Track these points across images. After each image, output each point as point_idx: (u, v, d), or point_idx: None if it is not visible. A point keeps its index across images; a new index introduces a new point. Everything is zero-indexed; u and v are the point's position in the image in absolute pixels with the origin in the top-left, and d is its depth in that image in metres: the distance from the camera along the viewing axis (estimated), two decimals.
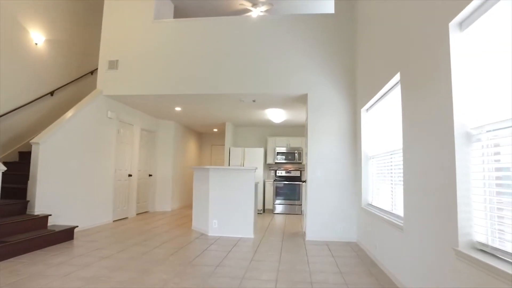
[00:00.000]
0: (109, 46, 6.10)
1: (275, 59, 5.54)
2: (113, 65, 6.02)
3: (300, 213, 8.51)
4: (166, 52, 5.85)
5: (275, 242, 4.91)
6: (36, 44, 6.08)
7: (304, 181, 5.90)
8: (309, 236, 5.17)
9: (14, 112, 5.59)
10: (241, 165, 8.68)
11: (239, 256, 4.07)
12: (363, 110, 4.88)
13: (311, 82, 5.42)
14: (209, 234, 5.36)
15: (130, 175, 7.11)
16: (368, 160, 4.75)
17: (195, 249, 4.35)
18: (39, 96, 6.10)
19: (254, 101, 6.11)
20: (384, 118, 3.99)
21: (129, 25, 6.06)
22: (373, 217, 4.07)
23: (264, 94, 5.60)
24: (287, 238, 5.24)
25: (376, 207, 4.19)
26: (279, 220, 7.35)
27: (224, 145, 11.43)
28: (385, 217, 3.54)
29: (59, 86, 6.61)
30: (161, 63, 5.84)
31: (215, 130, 10.58)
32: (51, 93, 6.38)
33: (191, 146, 10.42)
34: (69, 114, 5.28)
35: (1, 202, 4.32)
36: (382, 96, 3.99)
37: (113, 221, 6.49)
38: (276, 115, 7.51)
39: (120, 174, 6.75)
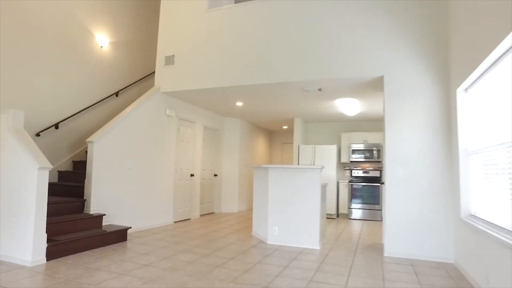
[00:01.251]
0: (165, 41, 5.91)
1: (341, 35, 4.66)
2: (169, 60, 5.81)
3: (381, 220, 7.35)
4: (221, 42, 5.40)
5: (345, 257, 4.06)
6: (101, 47, 6.20)
7: (382, 183, 4.89)
8: (388, 251, 4.18)
9: (82, 112, 5.73)
10: (311, 164, 7.87)
11: (295, 274, 3.34)
12: (459, 90, 3.73)
13: (388, 61, 4.41)
14: (268, 242, 4.73)
15: (192, 175, 6.88)
16: (469, 156, 3.60)
17: (246, 262, 3.76)
18: (104, 97, 6.20)
19: (320, 89, 5.30)
20: (495, 97, 2.88)
21: (183, 17, 5.78)
22: (480, 235, 2.97)
23: (331, 80, 4.76)
24: (361, 252, 4.33)
25: (485, 220, 3.07)
26: (354, 227, 6.38)
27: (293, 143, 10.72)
28: (504, 238, 2.47)
29: (124, 87, 6.68)
30: (217, 54, 5.41)
31: (285, 127, 9.95)
32: (116, 94, 6.47)
33: (260, 145, 9.95)
34: (125, 112, 5.18)
35: (62, 200, 4.32)
36: (490, 66, 2.88)
37: (174, 222, 6.30)
38: (349, 106, 6.54)
39: (181, 174, 6.55)
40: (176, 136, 6.35)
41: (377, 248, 4.59)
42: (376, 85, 4.93)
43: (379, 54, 4.45)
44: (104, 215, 4.57)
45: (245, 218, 7.09)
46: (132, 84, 6.88)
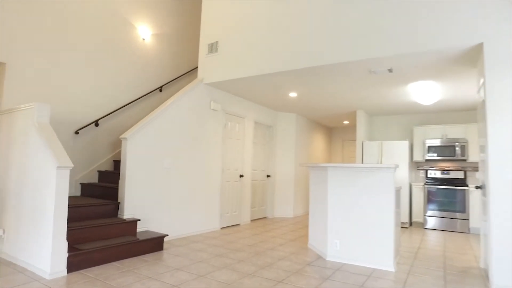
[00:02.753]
0: (208, 28, 5.32)
1: None
2: (212, 48, 5.20)
3: (467, 232, 5.98)
4: (269, 21, 4.64)
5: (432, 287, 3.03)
6: (143, 39, 5.83)
7: (479, 187, 3.72)
8: (498, 283, 3.03)
9: (124, 108, 5.38)
10: (378, 163, 6.77)
11: None
12: None
13: (490, 22, 3.27)
14: (327, 259, 3.85)
15: (241, 176, 6.22)
16: None
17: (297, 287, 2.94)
18: (148, 92, 5.82)
19: (390, 70, 4.27)
20: None
21: (226, 0, 5.14)
22: None
23: (407, 56, 3.73)
24: (455, 280, 3.25)
25: None
26: (433, 239, 5.18)
27: (355, 140, 9.57)
28: None
29: (168, 81, 6.26)
30: (265, 35, 4.67)
31: (346, 122, 8.88)
32: (160, 89, 6.06)
33: (318, 142, 9.00)
34: (163, 106, 4.67)
35: (94, 202, 3.91)
36: None
37: (221, 228, 5.68)
38: (425, 92, 5.36)
39: (229, 175, 5.92)
40: (222, 132, 5.74)
41: (475, 275, 3.45)
42: (468, 59, 3.77)
43: (477, 13, 3.32)
44: (139, 220, 4.07)
45: (301, 225, 6.23)
46: (177, 78, 6.44)
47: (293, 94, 5.80)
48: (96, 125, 4.97)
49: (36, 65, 4.35)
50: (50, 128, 3.40)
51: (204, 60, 5.32)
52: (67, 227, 3.35)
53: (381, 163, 6.71)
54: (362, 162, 6.94)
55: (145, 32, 5.85)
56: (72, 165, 3.12)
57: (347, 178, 3.82)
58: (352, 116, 7.75)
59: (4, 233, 3.63)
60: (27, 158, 3.43)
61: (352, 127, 9.60)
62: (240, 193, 6.19)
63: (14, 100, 4.13)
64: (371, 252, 3.62)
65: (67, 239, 3.32)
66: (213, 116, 5.54)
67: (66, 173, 3.09)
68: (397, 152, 6.63)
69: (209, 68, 5.24)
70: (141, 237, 3.84)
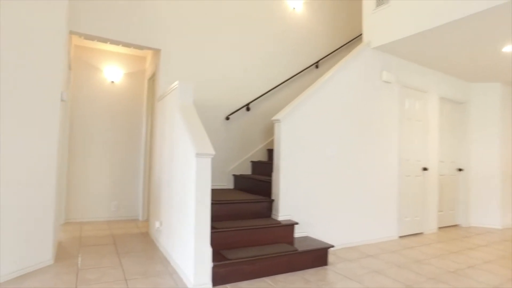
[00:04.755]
0: None
1: None
2: None
3: None
4: None
5: None
6: (293, 8, 4.99)
7: None
8: None
9: (276, 89, 4.69)
10: None
11: None
12: None
13: None
14: None
15: (425, 169, 4.65)
16: None
17: None
18: (302, 69, 4.96)
19: None
20: None
21: None
22: None
23: None
24: None
25: None
26: None
27: None
28: None
29: (325, 55, 5.24)
30: None
31: None
32: (316, 65, 5.11)
33: None
34: (322, 81, 3.68)
35: (245, 198, 3.29)
36: None
37: (399, 237, 4.31)
38: None
39: (408, 167, 4.47)
40: (399, 111, 4.35)
41: None
42: None
43: None
44: (297, 223, 3.22)
45: None
46: (336, 50, 5.35)
47: (509, 48, 3.86)
48: (247, 109, 4.43)
49: (188, 50, 4.07)
50: (193, 109, 2.89)
51: (370, 18, 4.06)
52: (212, 227, 2.77)
53: None
54: None
55: (294, 0, 5.00)
56: (214, 153, 2.47)
57: None
58: None
59: (161, 225, 3.39)
60: (173, 144, 3.04)
61: None
62: (423, 191, 4.64)
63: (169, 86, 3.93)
64: None
65: (212, 243, 2.74)
66: (385, 91, 4.22)
67: (207, 162, 2.47)
68: None
69: (378, 26, 3.95)
70: (300, 247, 2.97)
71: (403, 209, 4.37)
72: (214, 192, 3.70)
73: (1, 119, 2.45)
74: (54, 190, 2.83)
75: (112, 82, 4.71)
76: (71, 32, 3.53)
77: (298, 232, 3.39)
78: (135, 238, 3.70)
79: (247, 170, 4.43)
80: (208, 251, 2.44)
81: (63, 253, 3.12)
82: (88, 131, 4.57)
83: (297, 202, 3.42)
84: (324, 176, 3.64)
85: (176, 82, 2.97)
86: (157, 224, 3.43)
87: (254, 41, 4.56)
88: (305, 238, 3.32)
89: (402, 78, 4.40)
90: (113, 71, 4.69)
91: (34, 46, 2.67)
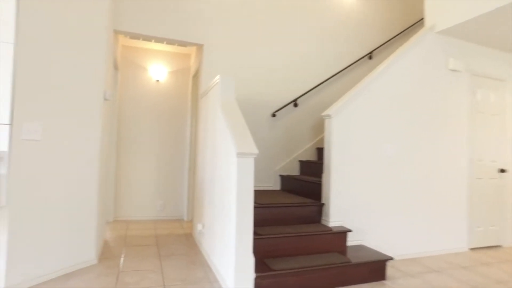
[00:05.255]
0: None
1: None
2: None
3: None
4: None
5: None
6: None
7: None
8: None
9: (326, 83, 4.35)
10: None
11: None
12: None
13: None
14: None
15: (502, 171, 4.01)
16: None
17: None
18: (354, 61, 4.56)
19: None
20: None
21: None
22: None
23: None
24: None
25: None
26: None
27: None
28: None
29: (379, 45, 4.77)
30: None
31: None
32: (369, 55, 4.67)
33: None
34: (378, 71, 3.29)
35: (292, 202, 3.02)
36: None
37: (470, 249, 3.74)
38: None
39: (481, 169, 3.88)
40: (469, 104, 3.78)
41: None
42: None
43: None
44: (350, 231, 2.87)
45: None
46: (392, 39, 4.86)
47: None
48: (295, 105, 4.14)
49: (232, 44, 3.89)
50: (235, 104, 2.69)
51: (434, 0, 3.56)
52: (256, 233, 2.54)
53: None
54: None
55: None
56: (257, 152, 2.24)
57: None
58: None
59: (203, 227, 3.25)
60: (215, 142, 2.86)
61: None
62: (500, 197, 4.01)
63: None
64: None
65: (255, 250, 2.51)
66: (452, 81, 3.69)
67: (249, 163, 2.24)
68: None
69: (444, 7, 3.44)
70: (353, 258, 2.64)
71: (475, 217, 3.80)
72: (259, 193, 3.48)
73: (45, 116, 2.44)
74: (97, 187, 2.79)
75: (157, 81, 4.70)
76: (116, 31, 3.52)
77: (351, 240, 3.04)
78: (179, 240, 3.60)
79: (295, 170, 4.15)
80: (250, 260, 2.21)
81: (108, 252, 3.10)
82: (135, 130, 4.59)
83: (350, 206, 3.07)
84: (381, 177, 3.24)
85: (218, 77, 2.79)
86: (199, 227, 3.29)
87: (302, 32, 4.26)
88: (359, 248, 2.96)
89: (473, 66, 3.83)
90: (158, 70, 4.67)
91: (77, 44, 2.64)
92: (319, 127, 4.31)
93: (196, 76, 4.47)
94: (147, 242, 3.48)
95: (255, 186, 3.90)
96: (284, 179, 3.96)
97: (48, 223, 2.47)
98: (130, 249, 3.23)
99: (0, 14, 2.24)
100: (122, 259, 2.94)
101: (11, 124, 2.25)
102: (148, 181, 4.62)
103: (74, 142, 2.63)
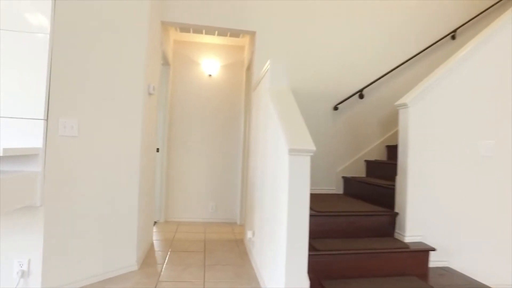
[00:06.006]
0: None
1: None
2: None
3: None
4: None
5: None
6: None
7: None
8: None
9: (397, 70, 3.72)
10: None
11: None
12: None
13: None
14: None
15: None
16: None
17: None
18: (433, 42, 3.84)
19: None
20: None
21: None
22: None
23: None
24: None
25: None
26: None
27: None
28: None
29: (464, 22, 3.97)
30: None
31: None
32: (452, 35, 3.90)
33: None
34: (463, 52, 2.61)
35: (362, 209, 2.51)
36: None
37: None
38: None
39: None
40: None
41: None
42: None
43: None
44: (433, 250, 2.27)
45: None
46: (479, 15, 4.02)
47: None
48: (361, 96, 3.58)
49: (286, 31, 3.48)
50: (288, 93, 2.27)
51: None
52: (312, 248, 2.09)
53: None
54: None
55: None
56: (314, 149, 1.80)
57: None
58: None
59: (253, 235, 2.88)
60: (266, 139, 2.47)
61: None
62: None
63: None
64: None
65: (311, 269, 2.06)
66: None
67: (304, 162, 1.80)
68: None
69: None
70: (438, 285, 2.05)
71: None
72: (317, 198, 3.01)
73: (82, 111, 2.27)
74: (137, 189, 2.57)
75: (210, 75, 4.46)
76: (164, 23, 3.32)
77: (433, 261, 2.43)
78: (227, 247, 3.28)
79: (360, 172, 3.59)
80: (304, 283, 1.78)
81: (151, 257, 2.89)
82: (187, 127, 4.40)
83: (432, 218, 2.46)
84: (474, 183, 2.56)
85: (268, 62, 2.40)
86: (249, 234, 2.93)
87: (368, 12, 3.68)
88: (445, 271, 2.34)
89: None
90: (210, 64, 4.43)
91: (117, 35, 2.45)
92: (389, 121, 3.69)
93: (249, 68, 4.14)
94: (194, 247, 3.21)
95: (312, 189, 3.43)
96: (348, 181, 3.43)
97: (85, 225, 2.30)
98: (175, 254, 2.98)
99: (36, 3, 2.10)
100: (164, 266, 2.69)
101: (46, 120, 2.10)
102: (200, 181, 4.40)
103: (113, 138, 2.43)
